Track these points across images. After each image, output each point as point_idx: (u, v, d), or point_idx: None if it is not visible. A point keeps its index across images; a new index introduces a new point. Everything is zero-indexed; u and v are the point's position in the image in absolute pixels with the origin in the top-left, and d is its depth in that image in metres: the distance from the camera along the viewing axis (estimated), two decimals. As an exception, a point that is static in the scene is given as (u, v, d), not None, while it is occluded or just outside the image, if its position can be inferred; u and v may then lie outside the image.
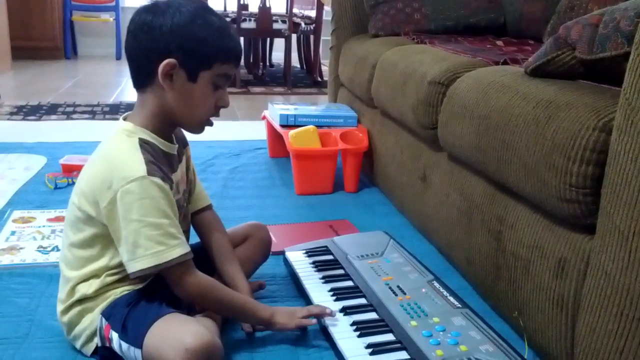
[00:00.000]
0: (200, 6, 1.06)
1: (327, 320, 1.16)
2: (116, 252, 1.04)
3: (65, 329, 1.11)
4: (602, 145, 0.92)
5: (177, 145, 1.14)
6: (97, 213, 1.03)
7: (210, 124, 1.13)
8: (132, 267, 1.01)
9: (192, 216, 1.25)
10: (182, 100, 1.06)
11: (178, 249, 1.01)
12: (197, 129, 1.12)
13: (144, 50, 1.04)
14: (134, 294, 1.06)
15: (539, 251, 1.09)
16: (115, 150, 1.06)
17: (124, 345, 1.02)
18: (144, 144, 1.04)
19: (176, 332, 0.96)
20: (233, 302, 1.10)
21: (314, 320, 1.16)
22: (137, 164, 1.00)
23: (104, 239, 1.05)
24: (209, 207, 1.28)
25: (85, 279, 1.07)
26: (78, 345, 1.10)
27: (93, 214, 1.04)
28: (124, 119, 1.10)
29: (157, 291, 1.07)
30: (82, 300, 1.07)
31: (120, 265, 1.05)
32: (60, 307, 1.10)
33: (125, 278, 1.06)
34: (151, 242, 0.99)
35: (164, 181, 1.02)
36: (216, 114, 1.12)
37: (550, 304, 1.05)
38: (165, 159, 1.08)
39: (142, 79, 1.07)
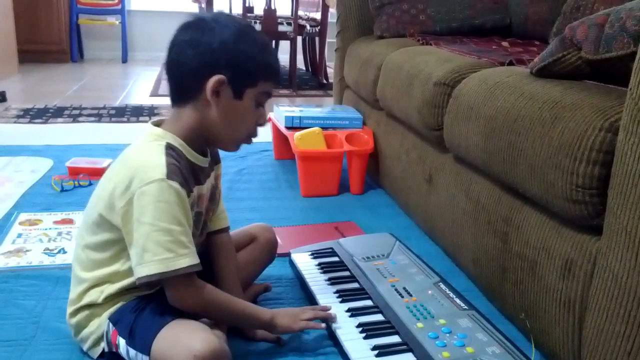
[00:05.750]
0: (245, 24, 1.07)
1: (334, 323, 1.16)
2: (128, 258, 1.02)
3: (72, 331, 1.11)
4: (609, 145, 0.91)
5: (208, 159, 1.12)
6: (112, 215, 1.01)
7: (249, 142, 1.12)
8: (139, 272, 0.98)
9: (207, 235, 1.21)
10: (226, 118, 1.05)
11: (187, 258, 0.99)
12: (234, 146, 1.11)
13: (190, 66, 1.02)
14: (140, 300, 1.06)
15: (545, 252, 1.08)
16: (138, 152, 1.04)
17: (132, 351, 1.01)
18: (169, 148, 1.02)
19: (184, 338, 0.96)
20: (233, 309, 1.08)
21: (323, 325, 1.14)
22: (158, 166, 0.98)
23: (118, 244, 1.03)
24: (225, 230, 1.25)
25: (98, 283, 1.06)
26: (85, 347, 1.10)
27: (107, 216, 1.02)
28: (155, 125, 1.08)
29: (164, 296, 1.06)
30: (90, 305, 1.07)
31: (131, 271, 1.03)
32: (69, 309, 1.10)
33: (136, 287, 1.05)
34: (160, 248, 0.97)
35: (182, 187, 0.99)
36: (255, 133, 1.11)
37: (557, 305, 1.04)
38: (190, 169, 1.05)
39: (184, 94, 1.05)
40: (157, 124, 1.09)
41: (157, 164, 0.99)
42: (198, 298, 1.02)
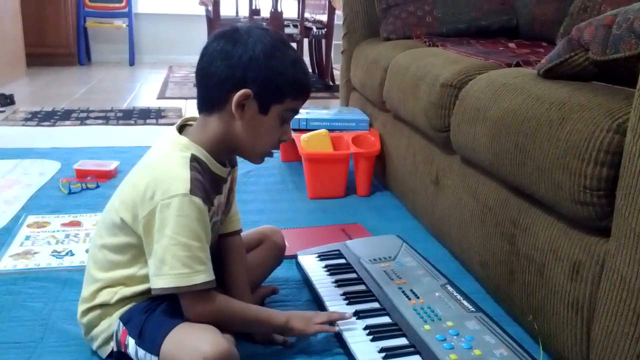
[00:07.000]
0: (278, 38, 1.06)
1: (341, 325, 1.16)
2: (145, 263, 1.03)
3: (83, 330, 1.12)
4: (617, 146, 0.91)
5: (229, 169, 1.13)
6: (134, 222, 1.02)
7: (271, 156, 1.13)
8: (155, 283, 1.00)
9: (219, 237, 1.21)
10: (249, 131, 1.05)
11: (202, 275, 0.99)
12: (257, 159, 1.12)
13: (218, 77, 1.02)
14: (152, 301, 1.06)
15: (553, 254, 1.08)
16: (164, 163, 1.03)
17: (141, 351, 1.02)
18: (194, 160, 1.03)
19: (193, 340, 0.96)
20: (247, 316, 1.08)
21: (337, 328, 1.14)
22: (182, 180, 0.99)
23: (136, 248, 1.04)
24: (237, 232, 1.25)
25: (112, 284, 1.07)
26: (94, 346, 1.10)
27: (129, 222, 1.03)
28: (179, 131, 1.08)
29: (175, 298, 1.06)
30: (102, 305, 1.08)
31: (147, 277, 1.03)
32: (81, 308, 1.10)
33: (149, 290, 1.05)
34: (177, 262, 0.98)
35: (204, 202, 1.00)
36: (278, 147, 1.12)
37: (565, 307, 1.04)
38: (212, 181, 1.06)
39: (211, 104, 1.05)
40: (182, 127, 1.09)
41: (181, 177, 0.99)
42: (213, 311, 1.03)
